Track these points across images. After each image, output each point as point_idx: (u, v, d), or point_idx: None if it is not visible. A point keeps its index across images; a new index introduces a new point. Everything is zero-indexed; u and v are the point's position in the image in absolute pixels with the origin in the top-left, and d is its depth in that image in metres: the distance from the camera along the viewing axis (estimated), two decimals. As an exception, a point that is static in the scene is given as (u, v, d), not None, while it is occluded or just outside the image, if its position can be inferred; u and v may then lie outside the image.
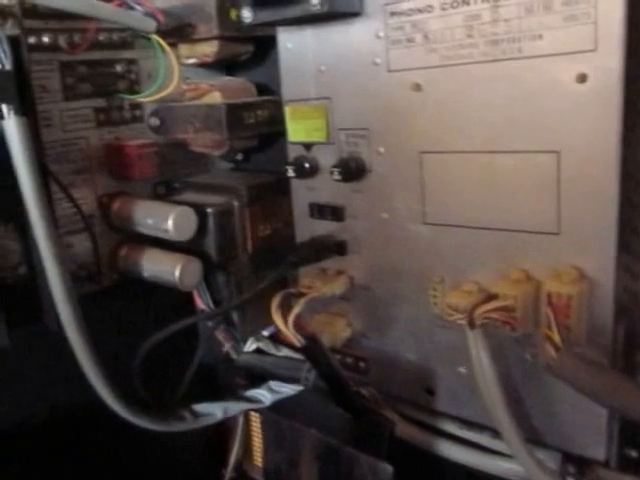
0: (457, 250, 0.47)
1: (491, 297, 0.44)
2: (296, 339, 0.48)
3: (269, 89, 0.61)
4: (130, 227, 0.56)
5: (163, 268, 0.54)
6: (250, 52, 0.59)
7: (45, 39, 0.52)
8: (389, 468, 0.50)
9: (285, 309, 0.49)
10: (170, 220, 0.52)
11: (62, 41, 0.53)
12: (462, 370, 0.50)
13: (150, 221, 0.53)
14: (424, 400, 0.53)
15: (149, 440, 0.63)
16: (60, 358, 0.56)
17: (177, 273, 0.53)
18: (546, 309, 0.41)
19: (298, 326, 0.49)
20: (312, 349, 0.49)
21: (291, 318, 0.48)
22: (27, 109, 0.46)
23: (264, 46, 0.59)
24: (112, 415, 0.54)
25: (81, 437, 0.63)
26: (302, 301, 0.49)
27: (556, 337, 0.40)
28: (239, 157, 0.64)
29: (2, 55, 0.44)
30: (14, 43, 0.45)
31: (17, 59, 0.45)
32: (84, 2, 0.48)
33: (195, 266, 0.54)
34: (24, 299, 0.49)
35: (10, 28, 0.45)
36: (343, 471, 0.53)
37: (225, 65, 0.63)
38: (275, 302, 0.49)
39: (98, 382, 0.51)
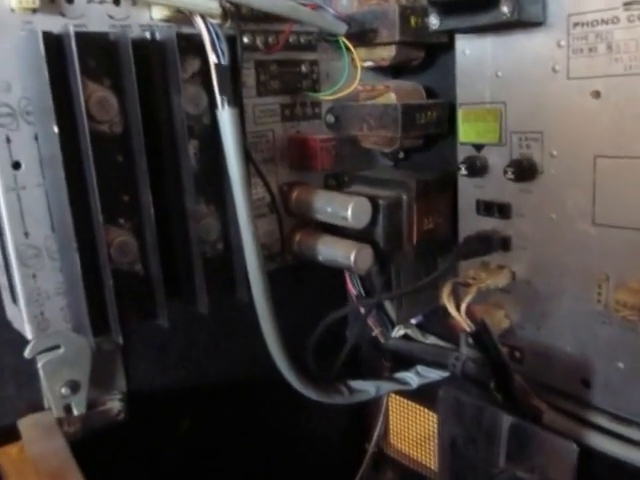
0: (625, 250, 0.49)
1: (659, 296, 0.46)
2: (467, 324, 0.52)
3: (434, 92, 0.65)
4: (307, 213, 0.60)
5: (339, 253, 0.58)
6: (421, 57, 0.62)
7: (245, 40, 0.57)
8: (575, 448, 0.52)
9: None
10: (349, 208, 0.56)
11: (259, 42, 0.58)
12: (620, 365, 0.52)
13: (329, 209, 0.58)
14: (579, 391, 0.55)
15: (304, 409, 0.68)
16: (236, 328, 0.62)
17: (352, 257, 0.57)
18: None
19: (468, 313, 0.52)
20: (482, 334, 0.52)
21: (464, 305, 0.51)
22: (237, 101, 0.51)
23: (432, 52, 0.63)
24: (277, 384, 0.59)
25: (244, 401, 0.69)
26: (473, 289, 0.52)
27: None
28: (400, 155, 0.68)
29: (221, 52, 0.50)
30: (231, 42, 0.50)
31: (232, 56, 0.50)
32: (289, 6, 0.53)
33: (368, 252, 0.58)
34: (220, 272, 0.55)
35: (227, 29, 0.51)
36: (525, 448, 0.56)
37: (392, 69, 0.66)
38: (447, 290, 0.52)
39: (277, 353, 0.56)
